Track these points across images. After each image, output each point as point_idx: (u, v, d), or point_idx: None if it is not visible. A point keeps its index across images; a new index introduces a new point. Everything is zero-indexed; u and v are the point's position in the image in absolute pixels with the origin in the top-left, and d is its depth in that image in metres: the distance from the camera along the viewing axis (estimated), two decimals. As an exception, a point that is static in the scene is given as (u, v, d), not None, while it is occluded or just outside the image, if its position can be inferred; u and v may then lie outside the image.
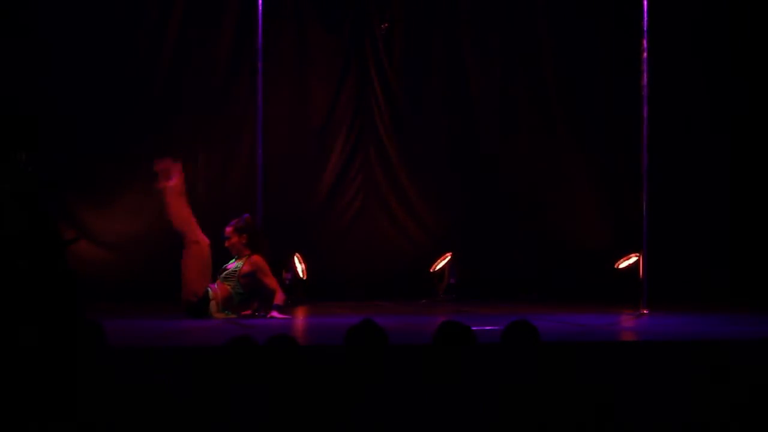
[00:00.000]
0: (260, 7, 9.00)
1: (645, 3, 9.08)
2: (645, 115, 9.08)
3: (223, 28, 10.24)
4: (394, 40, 10.54)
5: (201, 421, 4.21)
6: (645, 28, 9.07)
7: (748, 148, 10.61)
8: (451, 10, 10.57)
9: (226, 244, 8.76)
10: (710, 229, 10.53)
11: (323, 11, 10.46)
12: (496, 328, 5.50)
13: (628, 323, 8.57)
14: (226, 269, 8.73)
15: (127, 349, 6.35)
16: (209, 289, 8.55)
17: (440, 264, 10.43)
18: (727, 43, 10.55)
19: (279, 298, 8.68)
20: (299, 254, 10.26)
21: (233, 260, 8.73)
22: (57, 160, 8.97)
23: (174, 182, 8.64)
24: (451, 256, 10.41)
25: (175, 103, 10.05)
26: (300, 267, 10.22)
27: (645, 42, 9.07)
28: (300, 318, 9.13)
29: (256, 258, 8.70)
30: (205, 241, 8.66)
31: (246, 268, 8.68)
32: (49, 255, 5.97)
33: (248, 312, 8.66)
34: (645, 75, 9.08)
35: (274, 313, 8.59)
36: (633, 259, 9.95)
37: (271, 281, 8.68)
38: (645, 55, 9.08)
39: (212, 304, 8.54)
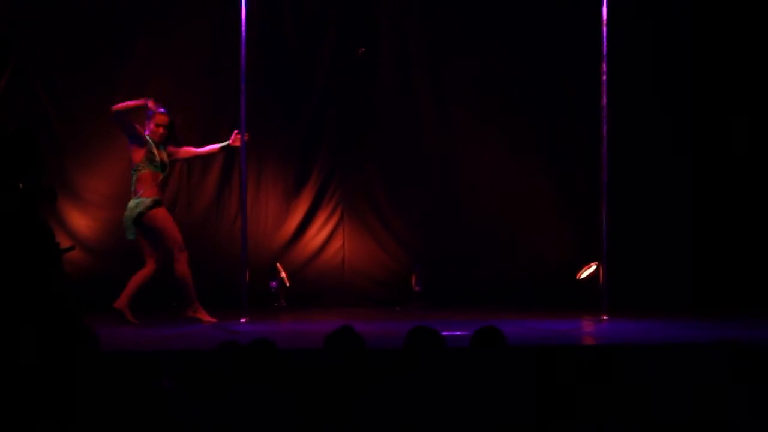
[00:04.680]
0: (243, 32, 9.02)
1: (604, 29, 9.18)
2: (605, 134, 9.15)
3: (202, 55, 10.29)
4: (372, 63, 10.59)
5: (192, 422, 4.26)
6: (605, 52, 9.16)
7: (707, 163, 10.62)
8: (429, 35, 10.61)
9: (165, 130, 8.79)
10: (671, 240, 10.56)
11: (303, 34, 10.50)
12: (465, 333, 5.55)
13: (589, 328, 8.67)
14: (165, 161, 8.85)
15: (121, 354, 6.41)
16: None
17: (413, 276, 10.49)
18: (688, 61, 10.58)
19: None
20: (280, 263, 10.34)
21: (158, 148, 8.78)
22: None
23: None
24: (419, 266, 10.45)
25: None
26: (283, 275, 10.29)
27: (605, 65, 9.16)
28: (283, 323, 9.19)
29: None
30: None
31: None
32: (47, 263, 5.99)
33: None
34: (604, 96, 9.15)
35: None
36: (593, 268, 10.03)
37: None
38: (605, 77, 9.16)
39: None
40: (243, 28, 8.98)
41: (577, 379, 4.49)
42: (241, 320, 8.78)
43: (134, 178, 8.73)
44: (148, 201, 8.64)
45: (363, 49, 10.47)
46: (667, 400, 4.43)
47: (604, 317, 9.02)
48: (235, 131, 9.07)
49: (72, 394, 4.32)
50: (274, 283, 10.25)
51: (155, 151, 8.72)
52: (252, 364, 4.51)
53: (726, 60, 10.57)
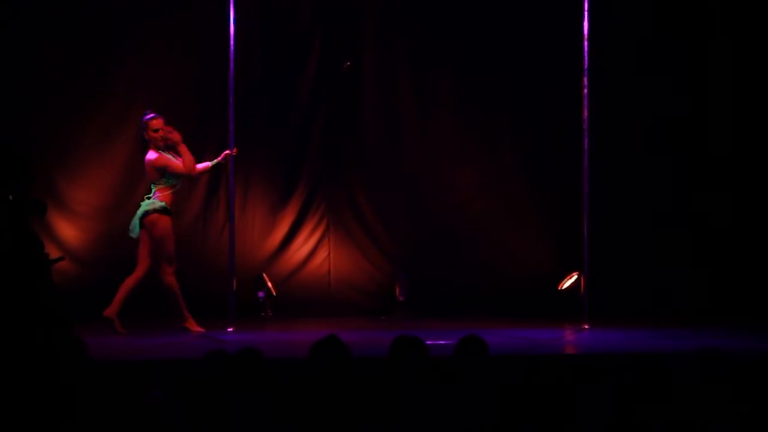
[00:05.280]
0: (231, 45, 9.03)
1: (585, 42, 9.22)
2: (586, 145, 9.21)
3: (190, 66, 10.31)
4: (357, 76, 10.61)
5: (180, 430, 4.26)
6: (585, 66, 9.21)
7: (695, 169, 10.61)
8: (414, 49, 10.65)
9: (164, 131, 8.78)
10: (651, 250, 10.57)
11: (290, 48, 10.53)
12: (449, 342, 5.57)
13: (570, 338, 8.71)
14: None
15: (109, 364, 6.41)
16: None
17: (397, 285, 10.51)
18: (669, 73, 10.58)
19: None
20: (266, 274, 10.35)
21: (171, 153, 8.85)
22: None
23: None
24: (402, 276, 10.48)
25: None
26: (269, 285, 10.30)
27: (585, 79, 9.20)
28: (269, 333, 9.20)
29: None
30: None
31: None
32: (36, 274, 5.98)
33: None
34: (585, 108, 9.20)
35: None
36: (574, 278, 10.06)
37: None
38: (585, 90, 9.21)
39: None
40: (231, 41, 9.00)
41: (557, 387, 4.52)
42: (228, 330, 8.80)
43: (154, 189, 8.80)
44: (159, 204, 8.68)
45: (349, 63, 10.49)
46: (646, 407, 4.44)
47: (586, 326, 9.06)
48: (226, 151, 9.07)
49: (61, 403, 4.32)
50: (261, 293, 10.25)
51: (173, 164, 8.83)
52: (239, 373, 4.53)
53: (709, 65, 10.60)
